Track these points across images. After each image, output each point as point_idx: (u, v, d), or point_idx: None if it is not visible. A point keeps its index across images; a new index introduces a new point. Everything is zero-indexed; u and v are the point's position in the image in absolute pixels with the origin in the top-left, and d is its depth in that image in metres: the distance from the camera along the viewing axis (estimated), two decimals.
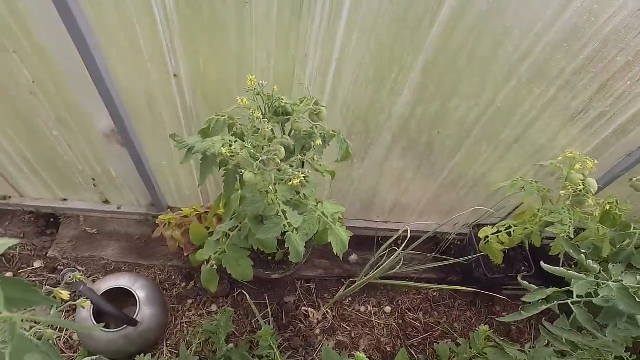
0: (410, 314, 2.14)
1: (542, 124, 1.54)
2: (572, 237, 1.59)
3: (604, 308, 1.09)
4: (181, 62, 1.29)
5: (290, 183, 1.07)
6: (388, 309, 2.14)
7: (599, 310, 1.19)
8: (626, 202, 1.91)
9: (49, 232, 2.06)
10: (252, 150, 1.10)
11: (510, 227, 1.81)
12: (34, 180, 1.87)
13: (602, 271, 1.29)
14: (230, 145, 1.08)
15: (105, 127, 1.54)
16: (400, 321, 2.11)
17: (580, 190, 1.54)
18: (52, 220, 2.09)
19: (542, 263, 1.18)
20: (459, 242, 2.34)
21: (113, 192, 1.96)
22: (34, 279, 1.90)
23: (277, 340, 1.64)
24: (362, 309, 2.12)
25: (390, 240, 1.88)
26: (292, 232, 1.14)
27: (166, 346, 1.83)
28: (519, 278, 1.80)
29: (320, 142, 1.22)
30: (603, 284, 1.09)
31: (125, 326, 1.66)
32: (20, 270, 1.92)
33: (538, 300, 1.19)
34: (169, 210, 2.00)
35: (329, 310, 2.07)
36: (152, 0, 1.12)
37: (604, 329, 1.23)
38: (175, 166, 1.77)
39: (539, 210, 1.76)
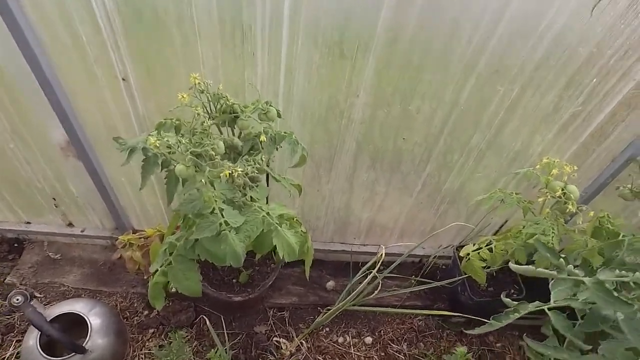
0: (394, 345, 1.96)
1: (513, 126, 1.46)
2: (557, 248, 1.47)
3: (586, 313, 0.95)
4: (128, 64, 1.27)
5: (223, 174, 0.99)
6: (369, 339, 1.96)
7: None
8: (620, 215, 1.79)
9: (10, 257, 1.97)
10: (186, 144, 1.03)
11: (491, 242, 1.68)
12: None
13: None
14: (163, 138, 1.02)
15: (59, 139, 1.50)
16: (383, 353, 1.93)
17: (560, 197, 1.43)
18: (16, 245, 2.01)
19: (510, 263, 1.06)
20: (444, 267, 2.20)
21: (76, 214, 1.89)
22: None
23: None
24: (341, 339, 1.95)
25: (369, 264, 1.76)
26: (229, 231, 1.04)
27: None
28: (502, 296, 1.64)
29: (265, 139, 1.16)
30: (582, 284, 0.95)
31: (73, 354, 1.53)
32: None
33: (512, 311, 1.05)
34: (132, 232, 1.91)
35: (303, 341, 1.90)
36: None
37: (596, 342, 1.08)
38: (135, 182, 1.70)
39: (524, 226, 1.65)
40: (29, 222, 1.96)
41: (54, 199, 1.80)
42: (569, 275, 0.99)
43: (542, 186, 1.50)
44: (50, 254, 2.00)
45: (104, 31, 1.18)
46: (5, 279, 1.89)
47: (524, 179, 1.71)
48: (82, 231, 1.95)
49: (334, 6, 1.13)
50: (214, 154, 1.03)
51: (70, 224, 1.96)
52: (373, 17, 1.14)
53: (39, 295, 1.88)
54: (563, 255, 1.24)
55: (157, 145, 0.99)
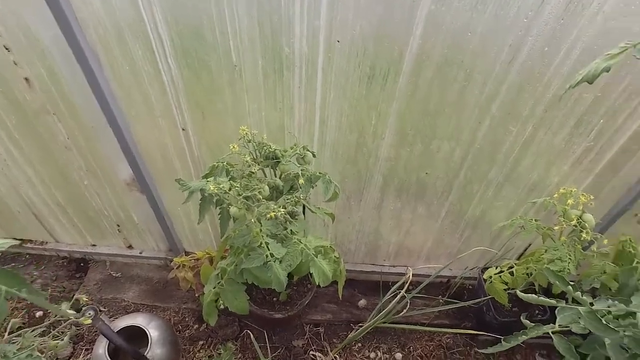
0: None
1: (528, 161, 1.58)
2: (574, 273, 1.57)
3: (587, 337, 1.07)
4: (187, 117, 1.50)
5: (269, 216, 1.19)
6: (399, 355, 2.10)
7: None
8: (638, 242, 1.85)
9: (78, 275, 2.25)
10: (237, 188, 1.24)
11: (512, 266, 1.79)
12: (68, 227, 2.10)
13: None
14: (219, 184, 1.23)
15: (126, 176, 1.75)
16: None
17: (575, 226, 1.54)
18: (82, 264, 2.30)
19: (517, 291, 1.18)
20: (470, 287, 2.30)
21: (136, 238, 2.14)
22: (59, 318, 2.06)
23: None
24: (372, 355, 2.09)
25: (398, 284, 1.90)
26: (274, 262, 1.23)
27: None
28: (522, 318, 1.75)
29: (304, 181, 1.35)
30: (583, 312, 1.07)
31: None
32: (49, 310, 2.09)
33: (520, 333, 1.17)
34: (184, 254, 2.14)
35: (337, 356, 2.06)
36: (159, 66, 1.35)
37: None
38: (189, 212, 1.94)
39: (546, 250, 1.75)
40: (94, 245, 2.24)
41: (118, 225, 2.06)
42: (574, 301, 1.11)
43: (560, 215, 1.61)
44: (112, 272, 2.27)
45: (169, 92, 1.41)
46: (74, 295, 2.17)
47: (542, 208, 1.82)
48: (140, 253, 2.21)
49: (360, 67, 1.31)
50: (261, 197, 1.23)
51: (130, 246, 2.22)
52: (392, 75, 1.32)
53: (103, 309, 2.14)
54: (572, 282, 1.35)
55: (216, 190, 1.21)
